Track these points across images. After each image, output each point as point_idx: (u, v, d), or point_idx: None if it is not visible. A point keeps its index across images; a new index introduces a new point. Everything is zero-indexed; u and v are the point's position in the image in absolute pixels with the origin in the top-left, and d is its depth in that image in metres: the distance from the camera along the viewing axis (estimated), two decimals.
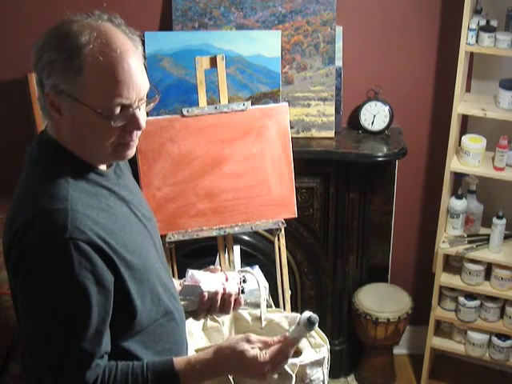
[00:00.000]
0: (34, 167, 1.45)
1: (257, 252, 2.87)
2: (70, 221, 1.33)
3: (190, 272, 1.76)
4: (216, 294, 1.75)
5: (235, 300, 1.80)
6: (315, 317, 1.58)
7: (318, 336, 2.02)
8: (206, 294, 1.73)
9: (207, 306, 1.76)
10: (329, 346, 1.98)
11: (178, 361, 1.49)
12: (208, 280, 1.76)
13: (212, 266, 1.86)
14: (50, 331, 1.36)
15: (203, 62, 2.39)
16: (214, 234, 2.43)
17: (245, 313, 2.06)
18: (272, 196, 2.43)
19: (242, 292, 1.83)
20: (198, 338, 2.04)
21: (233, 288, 1.79)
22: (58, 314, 1.35)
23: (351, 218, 2.93)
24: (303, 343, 2.01)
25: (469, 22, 2.55)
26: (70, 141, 1.43)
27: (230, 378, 1.80)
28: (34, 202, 1.37)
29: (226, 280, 1.80)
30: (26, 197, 1.41)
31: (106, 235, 1.38)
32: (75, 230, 1.33)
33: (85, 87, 1.33)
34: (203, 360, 1.51)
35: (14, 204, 1.44)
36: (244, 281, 1.84)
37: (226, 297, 1.77)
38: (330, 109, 2.77)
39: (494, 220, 2.78)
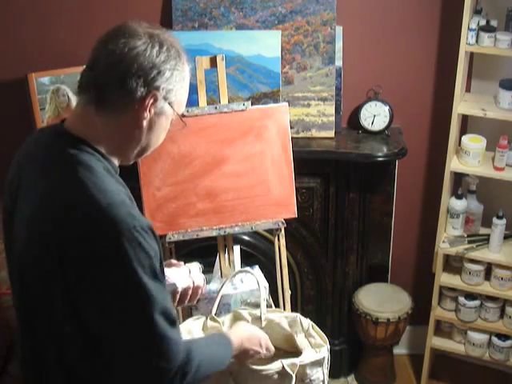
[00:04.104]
0: (61, 162, 1.44)
1: (257, 252, 2.87)
2: (130, 211, 1.39)
3: None
4: (188, 288, 1.81)
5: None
6: None
7: (317, 336, 2.02)
8: (179, 291, 1.79)
9: (176, 301, 1.81)
10: (329, 346, 1.98)
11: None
12: (178, 276, 1.80)
13: (173, 260, 1.88)
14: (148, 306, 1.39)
15: (203, 62, 2.39)
16: (214, 234, 2.43)
17: (245, 313, 2.07)
18: (272, 196, 2.43)
19: (207, 282, 1.94)
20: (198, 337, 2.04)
21: (199, 279, 1.85)
22: (149, 292, 1.39)
23: (351, 217, 2.93)
24: (303, 343, 2.02)
25: (469, 22, 2.55)
26: (111, 140, 1.47)
27: (230, 377, 1.81)
28: (90, 199, 1.38)
29: (190, 272, 1.85)
30: (70, 194, 1.40)
31: None
32: (137, 217, 1.39)
33: (176, 97, 1.50)
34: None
35: (41, 201, 1.42)
36: (203, 271, 1.91)
37: (194, 290, 1.84)
38: (330, 109, 2.77)
39: (494, 220, 2.78)
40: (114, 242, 1.35)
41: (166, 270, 1.77)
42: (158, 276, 1.41)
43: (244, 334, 1.80)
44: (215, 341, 1.67)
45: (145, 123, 1.47)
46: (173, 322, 1.42)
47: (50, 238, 1.39)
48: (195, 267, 1.89)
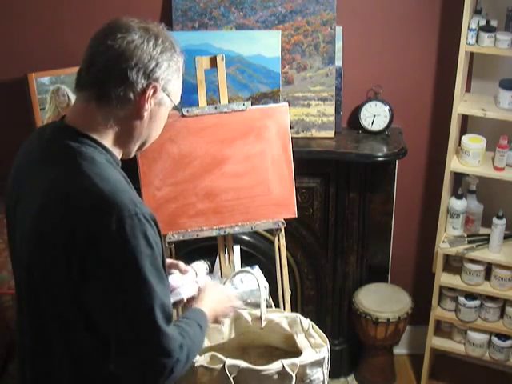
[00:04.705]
0: (64, 155, 1.45)
1: (257, 252, 2.86)
2: (132, 198, 1.41)
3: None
4: (193, 298, 1.77)
5: None
6: None
7: (317, 336, 2.02)
8: (184, 301, 1.77)
9: (180, 310, 1.83)
10: (329, 346, 1.98)
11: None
12: (184, 285, 1.77)
13: (181, 263, 1.85)
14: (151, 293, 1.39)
15: (203, 62, 2.39)
16: (214, 234, 2.43)
17: (245, 313, 2.07)
18: (272, 196, 2.43)
19: None
20: None
21: (204, 284, 1.83)
22: (152, 276, 1.40)
23: (351, 217, 2.93)
24: (303, 343, 2.02)
25: (469, 22, 2.55)
26: (113, 134, 1.49)
27: (231, 377, 1.81)
28: (93, 187, 1.39)
29: (196, 275, 1.82)
30: (74, 185, 1.41)
31: None
32: (139, 205, 1.41)
33: (174, 87, 1.53)
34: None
35: (46, 197, 1.43)
36: (211, 270, 1.92)
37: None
38: (330, 109, 2.77)
39: (494, 220, 2.78)
40: (116, 227, 1.35)
41: (172, 277, 1.77)
42: (159, 269, 1.42)
43: (214, 297, 1.78)
44: (197, 323, 1.60)
45: (146, 115, 1.50)
46: (169, 320, 1.42)
47: (55, 232, 1.40)
48: (202, 268, 1.86)
